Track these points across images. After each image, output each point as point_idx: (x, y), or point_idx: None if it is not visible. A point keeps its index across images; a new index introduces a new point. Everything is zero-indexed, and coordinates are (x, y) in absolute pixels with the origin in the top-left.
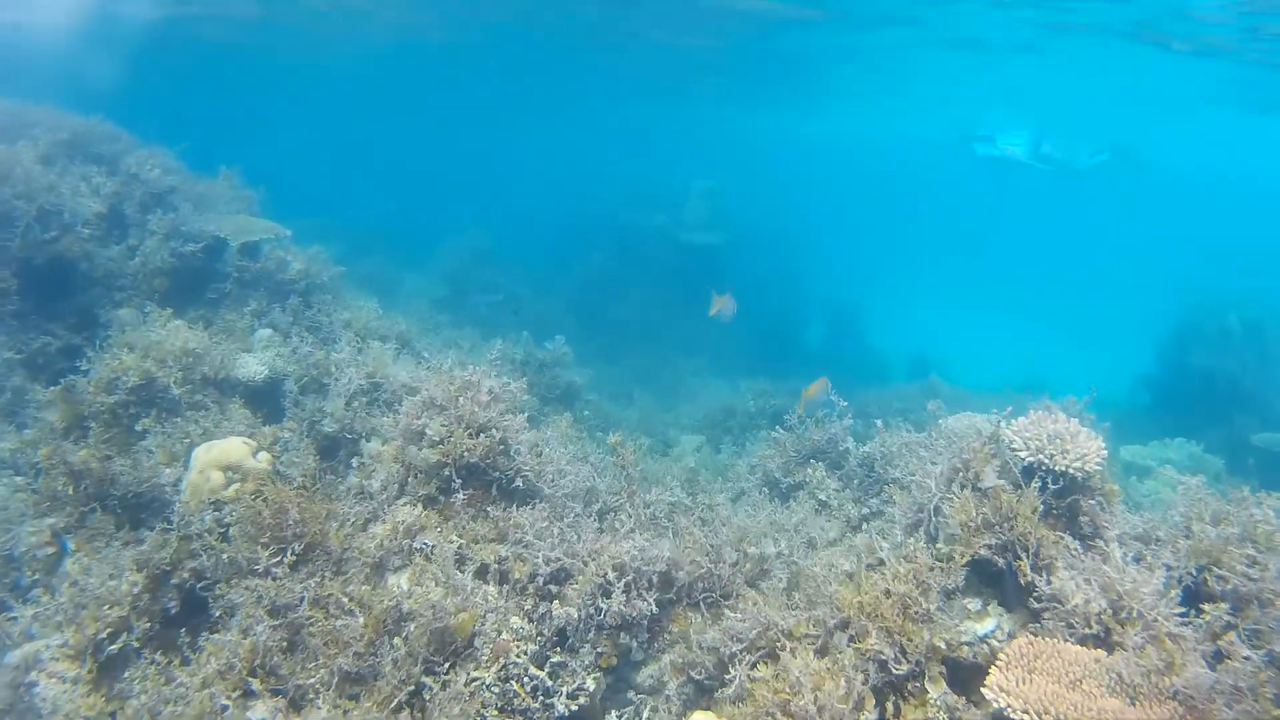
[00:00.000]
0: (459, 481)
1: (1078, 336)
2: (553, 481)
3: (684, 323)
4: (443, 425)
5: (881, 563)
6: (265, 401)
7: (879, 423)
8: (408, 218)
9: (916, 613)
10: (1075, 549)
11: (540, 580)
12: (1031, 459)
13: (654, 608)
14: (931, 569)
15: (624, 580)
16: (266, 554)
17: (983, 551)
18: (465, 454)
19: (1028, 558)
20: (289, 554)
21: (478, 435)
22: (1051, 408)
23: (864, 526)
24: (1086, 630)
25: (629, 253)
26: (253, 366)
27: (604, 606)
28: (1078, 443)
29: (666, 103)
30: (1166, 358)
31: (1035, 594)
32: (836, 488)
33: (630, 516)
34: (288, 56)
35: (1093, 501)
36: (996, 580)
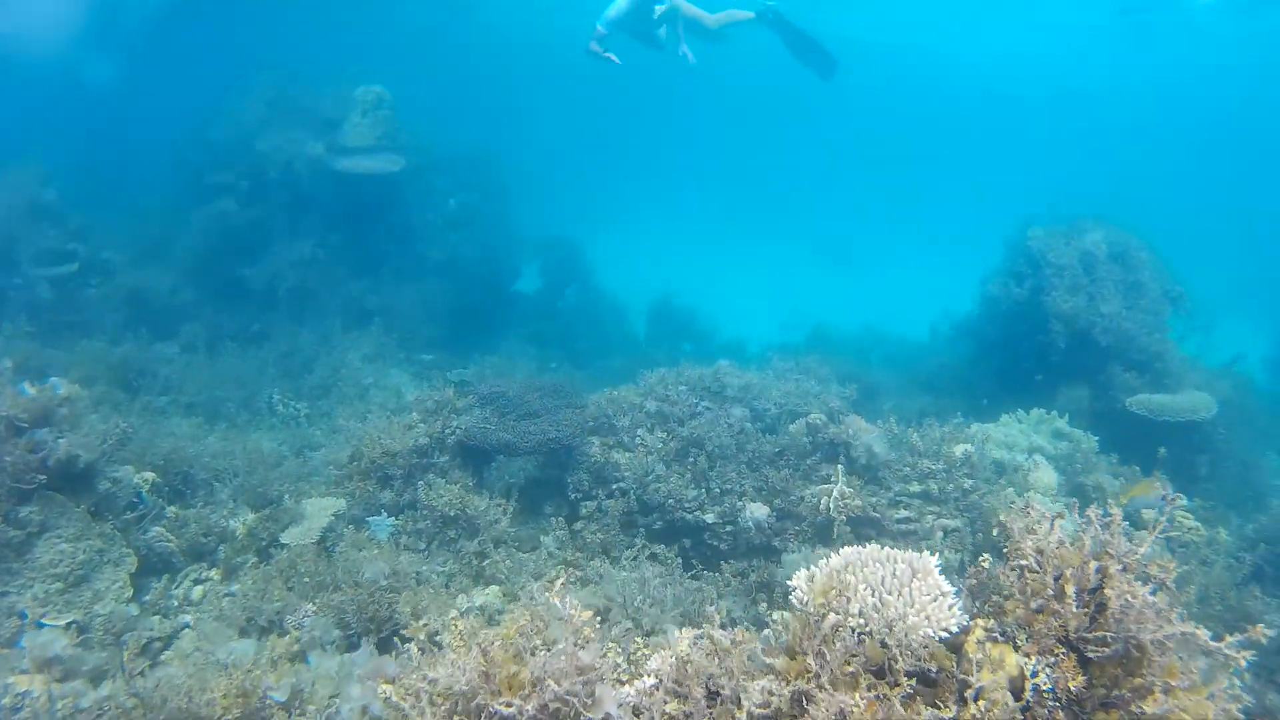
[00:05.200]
0: None
1: (875, 272)
2: None
3: (352, 282)
4: None
5: None
6: None
7: None
8: None
9: None
10: None
11: None
12: None
13: None
14: None
15: None
16: None
17: None
18: None
19: None
20: None
21: None
22: None
23: None
24: None
25: (271, 192)
26: None
27: None
28: None
29: None
30: (1001, 297)
31: None
32: None
33: None
34: None
35: None
36: None
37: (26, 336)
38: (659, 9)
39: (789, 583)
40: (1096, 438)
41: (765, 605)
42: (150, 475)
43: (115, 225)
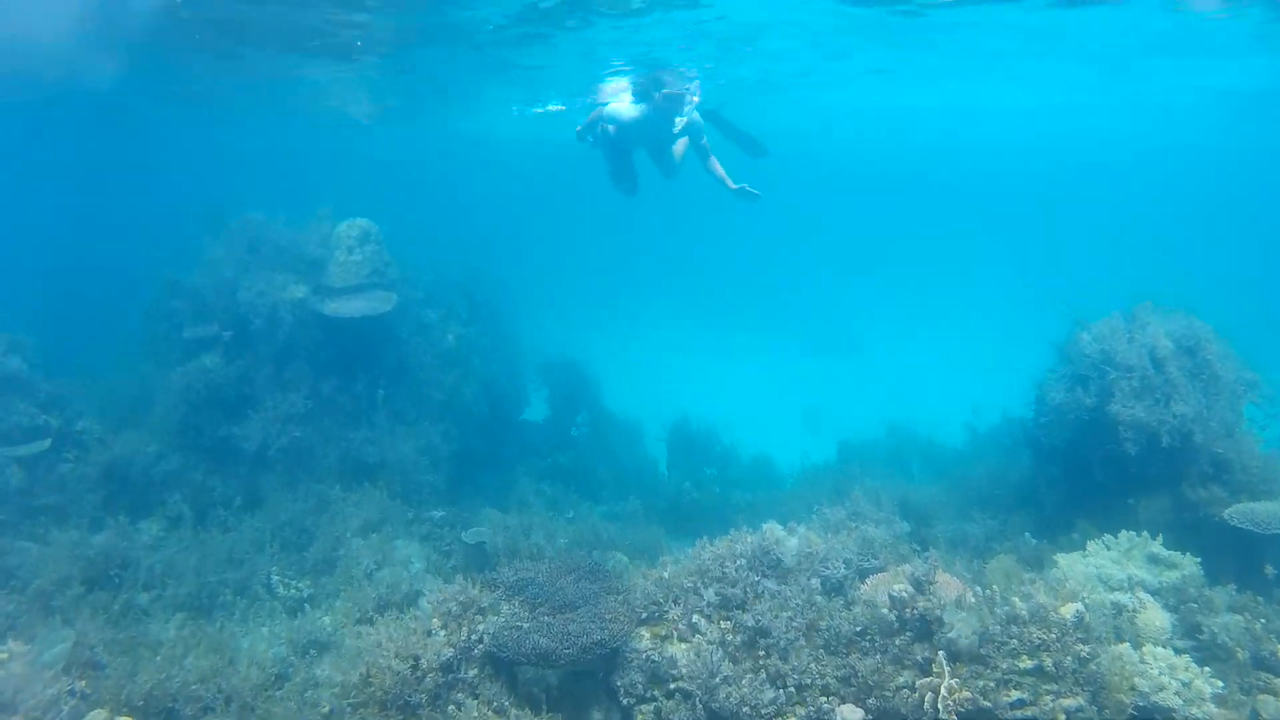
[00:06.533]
0: None
1: (874, 357)
2: None
3: (348, 433)
4: None
5: None
6: None
7: None
8: None
9: None
10: None
11: None
12: None
13: None
14: None
15: None
16: None
17: None
18: None
19: None
20: None
21: None
22: None
23: None
24: None
25: (256, 343)
26: None
27: None
28: None
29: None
30: (1069, 404)
31: None
32: None
33: None
34: None
35: None
36: None
37: None
38: (679, 121)
39: None
40: (1199, 559)
41: None
42: None
43: (89, 389)
